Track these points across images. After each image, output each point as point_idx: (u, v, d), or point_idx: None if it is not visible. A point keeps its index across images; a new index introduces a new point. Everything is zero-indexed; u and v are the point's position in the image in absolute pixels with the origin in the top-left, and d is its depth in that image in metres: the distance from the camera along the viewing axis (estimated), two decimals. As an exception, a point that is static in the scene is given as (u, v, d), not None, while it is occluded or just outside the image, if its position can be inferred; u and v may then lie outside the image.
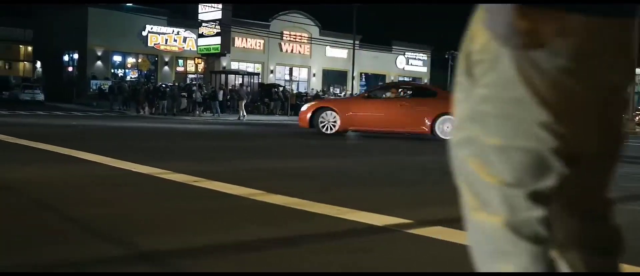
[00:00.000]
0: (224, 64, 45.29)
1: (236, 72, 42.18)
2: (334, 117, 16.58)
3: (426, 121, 15.91)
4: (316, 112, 16.87)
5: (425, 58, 60.20)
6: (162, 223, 4.46)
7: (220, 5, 42.60)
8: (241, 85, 37.71)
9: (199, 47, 46.06)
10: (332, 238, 4.18)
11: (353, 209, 4.93)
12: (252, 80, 41.72)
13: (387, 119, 16.52)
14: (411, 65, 58.96)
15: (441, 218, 4.55)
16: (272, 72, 50.95)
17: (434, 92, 18.76)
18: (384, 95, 18.45)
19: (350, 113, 16.62)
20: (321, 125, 16.62)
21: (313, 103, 18.58)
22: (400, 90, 18.94)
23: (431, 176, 8.20)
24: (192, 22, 45.75)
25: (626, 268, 2.42)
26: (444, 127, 15.44)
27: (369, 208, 4.95)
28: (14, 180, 6.24)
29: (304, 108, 18.02)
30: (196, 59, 46.79)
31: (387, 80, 56.67)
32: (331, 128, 16.59)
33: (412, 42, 58.98)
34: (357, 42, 47.88)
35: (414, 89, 20.55)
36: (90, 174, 7.03)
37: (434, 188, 6.78)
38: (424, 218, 4.67)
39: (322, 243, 4.01)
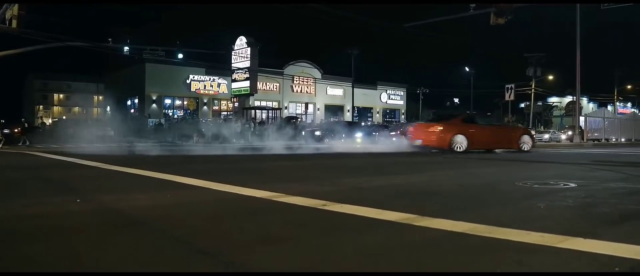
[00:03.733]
0: (251, 102, 44.40)
1: (264, 108, 41.13)
2: (463, 139, 16.70)
3: (515, 140, 17.90)
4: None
5: (402, 93, 58.91)
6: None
7: (249, 56, 41.59)
8: (268, 118, 36.32)
9: (232, 90, 45.13)
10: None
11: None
12: (275, 114, 40.71)
13: (496, 140, 17.75)
14: (391, 99, 57.71)
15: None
16: (286, 108, 50.07)
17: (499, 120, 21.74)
18: (482, 123, 18.59)
19: (474, 137, 16.95)
20: (454, 146, 16.57)
21: (443, 129, 17.31)
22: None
23: None
24: (224, 71, 45.25)
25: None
26: (523, 145, 17.92)
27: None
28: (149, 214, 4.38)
29: (437, 131, 17.27)
30: (233, 98, 45.69)
31: (374, 112, 55.68)
32: (460, 148, 16.58)
33: (392, 81, 57.74)
34: (350, 82, 48.12)
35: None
36: (221, 199, 5.16)
37: None
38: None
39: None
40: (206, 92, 47.28)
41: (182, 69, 45.35)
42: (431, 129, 17.49)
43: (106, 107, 55.74)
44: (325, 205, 4.65)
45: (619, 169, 9.70)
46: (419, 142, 17.33)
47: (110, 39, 37.37)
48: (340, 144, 25.72)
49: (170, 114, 45.21)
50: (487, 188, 6.39)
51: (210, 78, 47.11)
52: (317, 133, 29.00)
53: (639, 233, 3.49)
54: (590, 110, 55.67)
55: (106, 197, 5.23)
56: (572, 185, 6.43)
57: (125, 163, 9.54)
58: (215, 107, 48.18)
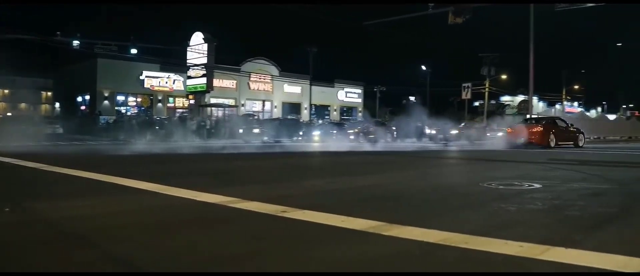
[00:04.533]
0: (207, 100, 43.45)
1: (221, 106, 40.27)
2: (553, 137, 21.48)
3: (577, 138, 22.80)
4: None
5: (359, 91, 58.94)
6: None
7: (206, 52, 40.65)
8: (224, 116, 35.62)
9: (188, 86, 44.01)
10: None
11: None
12: (231, 112, 39.98)
13: (567, 137, 22.48)
14: (349, 97, 57.67)
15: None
16: (243, 105, 49.28)
17: (564, 121, 24.90)
18: (560, 125, 23.43)
19: (557, 136, 21.79)
20: (550, 142, 21.14)
21: (543, 130, 21.99)
22: (568, 122, 24.41)
23: None
24: (180, 68, 44.05)
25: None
26: (579, 142, 22.83)
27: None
28: (74, 218, 3.90)
29: (539, 132, 21.78)
30: (189, 96, 44.53)
31: (332, 110, 55.51)
32: (552, 144, 21.13)
33: (349, 79, 57.66)
34: (308, 80, 47.87)
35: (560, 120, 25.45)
36: (153, 207, 4.72)
37: None
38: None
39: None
40: (161, 88, 45.86)
41: (136, 64, 43.80)
42: (534, 130, 21.97)
43: (55, 104, 53.67)
44: (284, 211, 4.30)
45: (575, 168, 9.73)
46: (522, 140, 21.30)
47: (58, 32, 35.69)
48: (298, 143, 25.40)
49: (123, 111, 43.73)
50: (453, 190, 6.17)
51: (165, 75, 45.70)
52: (267, 131, 28.32)
53: (618, 241, 3.29)
54: (541, 109, 57.20)
55: (41, 204, 4.71)
56: (537, 185, 6.30)
57: (70, 164, 8.89)
58: (170, 104, 46.84)
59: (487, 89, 44.41)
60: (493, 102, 63.48)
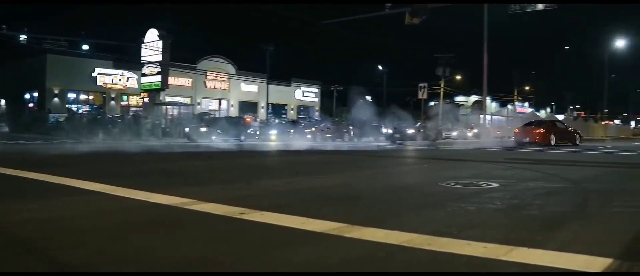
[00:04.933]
0: (162, 98, 42.49)
1: (176, 104, 39.44)
2: (553, 137, 24.03)
3: (574, 137, 25.58)
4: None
5: (317, 90, 58.91)
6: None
7: (161, 49, 39.73)
8: (179, 114, 34.94)
9: (142, 84, 42.87)
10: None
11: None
12: (187, 111, 39.23)
13: (565, 137, 25.17)
14: (306, 96, 57.57)
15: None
16: (199, 104, 48.50)
17: (563, 122, 29.84)
18: (559, 126, 27.51)
19: (554, 135, 24.29)
20: (551, 141, 23.63)
21: (545, 131, 24.60)
22: (565, 124, 28.82)
23: None
24: (134, 65, 42.84)
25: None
26: (577, 141, 25.51)
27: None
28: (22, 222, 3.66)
29: (542, 132, 24.25)
30: (142, 94, 43.37)
31: (289, 109, 55.34)
32: (552, 143, 23.56)
33: (307, 78, 57.57)
34: (265, 79, 47.57)
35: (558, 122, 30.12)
36: (105, 210, 4.50)
37: None
38: None
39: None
40: (114, 86, 44.53)
41: (88, 61, 42.40)
42: (537, 131, 24.55)
43: (0, 101, 51.47)
44: (243, 213, 4.17)
45: (531, 167, 9.94)
46: (527, 139, 24.06)
47: (4, 26, 34.20)
48: (255, 142, 25.15)
49: (75, 109, 42.27)
50: (412, 190, 6.17)
51: (118, 72, 44.39)
52: (217, 130, 27.72)
53: (578, 240, 3.31)
54: (493, 109, 58.60)
55: (-17, 207, 4.43)
56: (495, 185, 6.36)
57: (15, 164, 8.47)
58: (124, 102, 45.55)
59: (442, 89, 45.15)
60: (448, 102, 64.64)
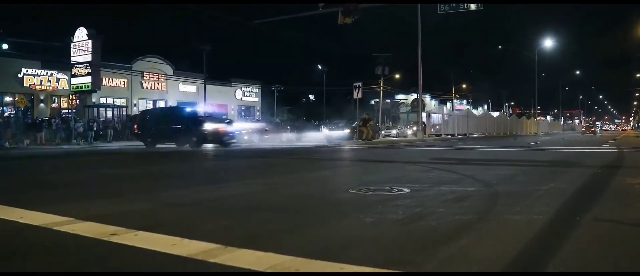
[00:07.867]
0: (94, 99, 40.76)
1: (110, 106, 37.88)
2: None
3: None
4: None
5: (257, 90, 58.26)
6: None
7: (90, 49, 38.10)
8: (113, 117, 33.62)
9: (72, 86, 40.97)
10: None
11: None
12: (121, 112, 37.78)
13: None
14: (247, 96, 56.83)
15: None
16: (135, 105, 46.89)
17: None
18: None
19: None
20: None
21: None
22: None
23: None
24: (64, 65, 40.82)
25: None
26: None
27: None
28: None
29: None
30: (72, 95, 41.45)
31: (229, 109, 54.51)
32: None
33: (247, 78, 56.87)
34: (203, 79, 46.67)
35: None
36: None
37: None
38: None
39: None
40: (43, 87, 42.20)
41: (13, 61, 39.89)
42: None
43: None
44: (115, 233, 3.74)
45: (453, 168, 9.90)
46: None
47: None
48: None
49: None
50: (318, 199, 5.86)
51: (47, 73, 42.10)
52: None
53: (461, 259, 3.09)
54: (433, 106, 59.66)
55: None
56: (406, 190, 6.17)
57: None
58: (55, 105, 43.38)
59: (381, 88, 45.57)
60: (389, 100, 65.44)
